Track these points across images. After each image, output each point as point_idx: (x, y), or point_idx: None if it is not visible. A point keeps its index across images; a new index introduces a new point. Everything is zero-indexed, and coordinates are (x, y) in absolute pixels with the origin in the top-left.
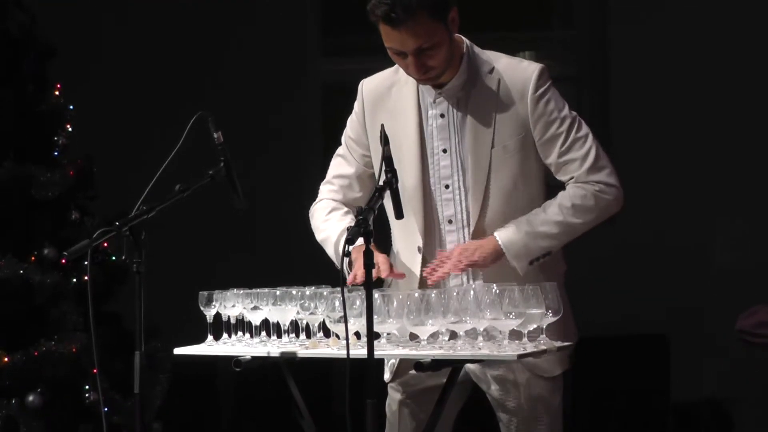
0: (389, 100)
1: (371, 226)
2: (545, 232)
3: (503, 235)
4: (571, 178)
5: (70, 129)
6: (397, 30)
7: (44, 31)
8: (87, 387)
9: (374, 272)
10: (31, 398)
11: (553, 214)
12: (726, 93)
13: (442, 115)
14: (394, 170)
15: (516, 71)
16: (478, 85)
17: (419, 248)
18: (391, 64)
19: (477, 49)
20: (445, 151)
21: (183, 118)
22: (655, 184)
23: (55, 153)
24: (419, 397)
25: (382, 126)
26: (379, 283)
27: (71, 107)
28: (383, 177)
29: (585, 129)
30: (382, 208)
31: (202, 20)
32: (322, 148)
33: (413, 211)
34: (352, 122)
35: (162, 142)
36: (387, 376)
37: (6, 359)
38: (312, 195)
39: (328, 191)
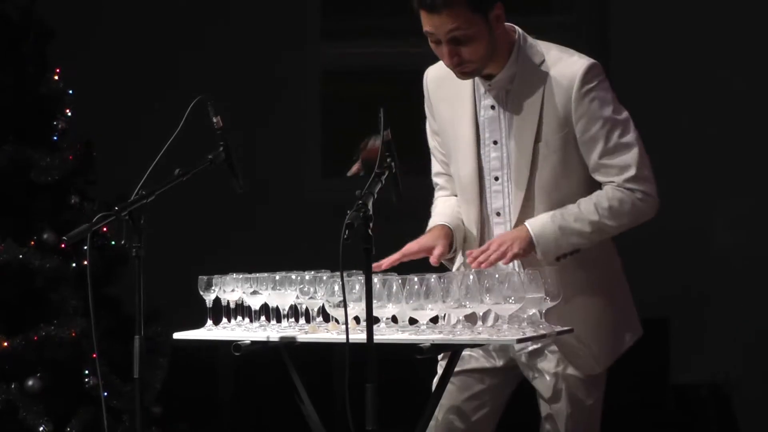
0: (450, 88)
1: (371, 211)
2: (578, 230)
3: (536, 228)
4: (611, 182)
5: (69, 113)
6: (434, 14)
7: (44, 13)
8: (86, 371)
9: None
10: (30, 382)
11: (588, 212)
12: (726, 79)
13: (492, 107)
14: (394, 154)
15: (565, 65)
16: (526, 78)
17: (475, 239)
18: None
19: (530, 39)
20: (495, 143)
21: (183, 103)
22: (655, 167)
23: (55, 137)
24: (466, 376)
25: (381, 110)
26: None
27: (71, 92)
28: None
29: (631, 135)
30: None
31: (202, 4)
32: (320, 132)
33: (469, 201)
34: (427, 114)
35: (161, 126)
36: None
37: (5, 343)
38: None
39: (437, 191)
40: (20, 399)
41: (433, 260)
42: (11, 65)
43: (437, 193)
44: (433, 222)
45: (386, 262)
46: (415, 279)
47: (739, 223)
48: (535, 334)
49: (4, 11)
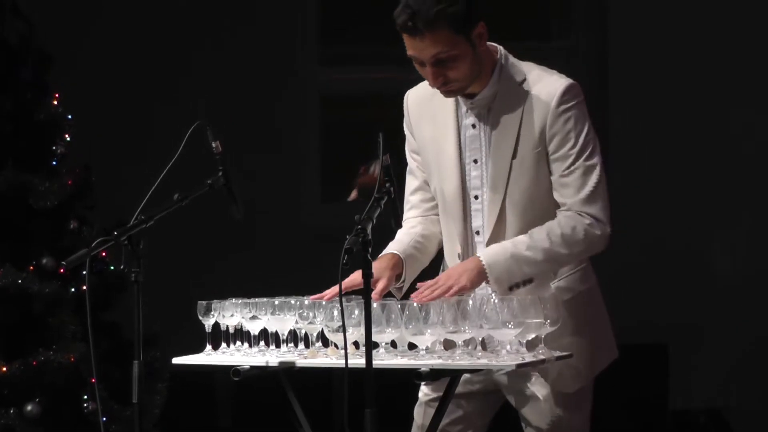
0: (432, 108)
1: (370, 236)
2: (530, 258)
3: (488, 257)
4: (564, 204)
5: (68, 138)
6: (416, 38)
7: (43, 39)
8: (86, 396)
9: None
10: (29, 407)
11: (540, 240)
12: (725, 103)
13: (473, 126)
14: (393, 179)
15: (545, 84)
16: (507, 97)
17: (458, 255)
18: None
19: (512, 59)
20: (476, 161)
21: (181, 127)
22: (653, 193)
23: (54, 162)
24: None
25: (380, 135)
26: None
27: (69, 117)
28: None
29: (595, 159)
30: None
31: (200, 31)
32: (319, 157)
33: (453, 219)
34: (407, 134)
35: (160, 151)
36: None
37: (4, 368)
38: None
39: (407, 211)
40: (19, 424)
41: (374, 297)
42: (10, 91)
43: (407, 213)
44: (386, 249)
45: (329, 293)
46: (415, 304)
47: (738, 247)
48: (534, 360)
49: (3, 37)
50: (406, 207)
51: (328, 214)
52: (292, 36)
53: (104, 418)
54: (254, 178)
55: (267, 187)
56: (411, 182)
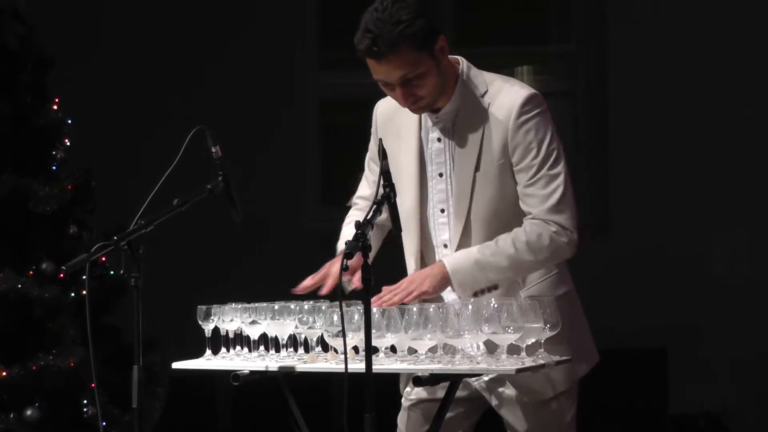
0: (397, 121)
1: (369, 241)
2: (495, 264)
3: (452, 262)
4: (530, 213)
5: (68, 143)
6: (381, 63)
7: (43, 43)
8: (85, 401)
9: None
10: (29, 412)
11: (505, 247)
12: (725, 107)
13: (439, 140)
14: (392, 185)
15: (506, 95)
16: (470, 110)
17: (414, 269)
18: None
19: (474, 71)
20: (441, 175)
21: (181, 132)
22: (653, 198)
23: (54, 167)
24: (430, 405)
25: (380, 140)
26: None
27: (69, 121)
28: (381, 191)
29: (559, 168)
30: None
31: (200, 36)
32: (320, 161)
33: (410, 233)
34: (370, 144)
35: (160, 155)
36: (401, 387)
37: (4, 373)
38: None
39: (353, 210)
40: (19, 428)
41: (361, 285)
42: (10, 95)
43: (352, 211)
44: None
45: (326, 288)
46: (414, 309)
47: (737, 252)
48: (533, 364)
49: (3, 41)
50: (353, 206)
51: (329, 217)
52: (292, 40)
53: (104, 423)
54: (254, 181)
55: (267, 190)
56: (363, 190)
